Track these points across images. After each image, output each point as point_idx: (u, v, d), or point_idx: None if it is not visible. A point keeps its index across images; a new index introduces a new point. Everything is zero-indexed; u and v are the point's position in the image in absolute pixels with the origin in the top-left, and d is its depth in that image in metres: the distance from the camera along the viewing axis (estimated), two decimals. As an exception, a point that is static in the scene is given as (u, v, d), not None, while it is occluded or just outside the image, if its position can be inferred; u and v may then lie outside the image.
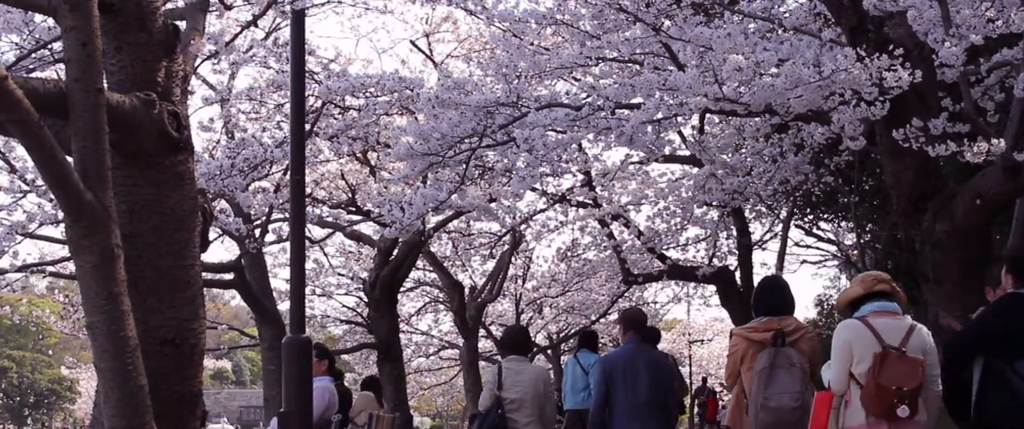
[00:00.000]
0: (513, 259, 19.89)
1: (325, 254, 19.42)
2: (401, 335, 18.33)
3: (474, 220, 16.60)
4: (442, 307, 23.62)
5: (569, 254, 19.40)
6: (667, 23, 8.33)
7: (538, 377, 7.53)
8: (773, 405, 5.78)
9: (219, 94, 12.20)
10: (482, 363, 21.37)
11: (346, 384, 10.56)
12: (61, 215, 4.89)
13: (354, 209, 15.29)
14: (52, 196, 7.24)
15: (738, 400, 6.13)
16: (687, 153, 11.42)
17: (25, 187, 10.41)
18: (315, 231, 16.94)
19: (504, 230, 17.81)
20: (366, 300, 18.00)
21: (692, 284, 20.63)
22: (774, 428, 5.80)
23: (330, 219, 15.82)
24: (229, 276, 13.87)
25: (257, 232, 13.29)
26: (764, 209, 15.85)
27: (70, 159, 4.17)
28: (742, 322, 11.91)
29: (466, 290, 19.86)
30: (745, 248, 13.67)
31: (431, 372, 30.30)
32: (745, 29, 7.86)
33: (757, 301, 6.26)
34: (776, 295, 6.18)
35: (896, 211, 8.04)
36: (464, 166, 9.30)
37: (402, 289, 18.52)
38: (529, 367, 7.65)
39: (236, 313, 35.98)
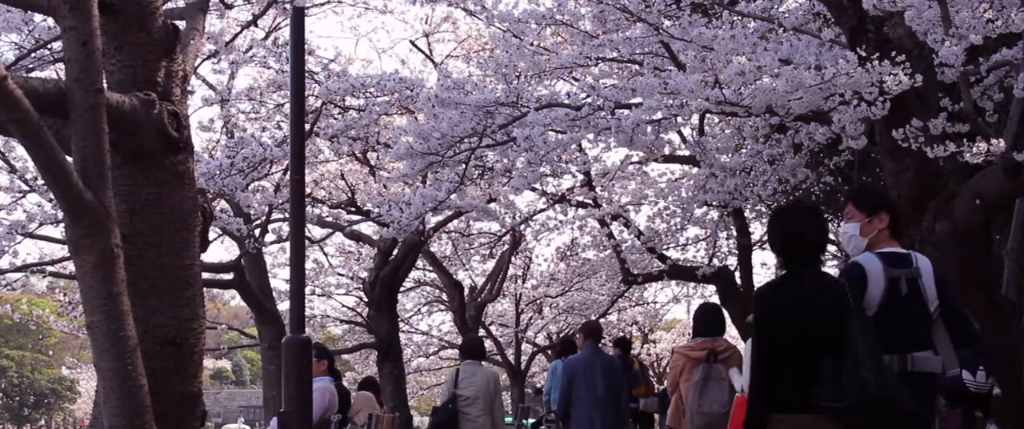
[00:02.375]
0: (513, 259, 19.88)
1: (325, 254, 19.42)
2: (401, 335, 18.31)
3: (474, 220, 16.59)
4: (442, 307, 23.61)
5: (569, 254, 19.37)
6: (667, 23, 8.32)
7: (489, 379, 9.04)
8: (706, 411, 7.17)
9: (219, 94, 12.20)
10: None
11: (344, 384, 10.56)
12: (61, 215, 4.88)
13: (354, 209, 15.26)
14: (52, 196, 7.24)
15: (677, 405, 7.52)
16: (687, 153, 11.41)
17: (25, 187, 10.42)
18: (315, 231, 16.94)
19: (504, 230, 17.81)
20: (366, 300, 17.98)
21: (692, 284, 20.62)
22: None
23: (330, 219, 15.80)
24: (229, 276, 13.85)
25: (257, 232, 13.28)
26: (764, 209, 15.82)
27: (70, 159, 4.17)
28: (741, 322, 11.98)
29: (466, 290, 19.85)
30: (745, 248, 13.66)
31: (431, 372, 30.23)
32: (744, 29, 7.84)
33: (696, 325, 7.65)
34: (711, 321, 7.62)
35: (896, 211, 8.02)
36: (464, 166, 9.30)
37: (402, 289, 18.49)
38: (482, 370, 9.17)
39: (236, 313, 35.93)
